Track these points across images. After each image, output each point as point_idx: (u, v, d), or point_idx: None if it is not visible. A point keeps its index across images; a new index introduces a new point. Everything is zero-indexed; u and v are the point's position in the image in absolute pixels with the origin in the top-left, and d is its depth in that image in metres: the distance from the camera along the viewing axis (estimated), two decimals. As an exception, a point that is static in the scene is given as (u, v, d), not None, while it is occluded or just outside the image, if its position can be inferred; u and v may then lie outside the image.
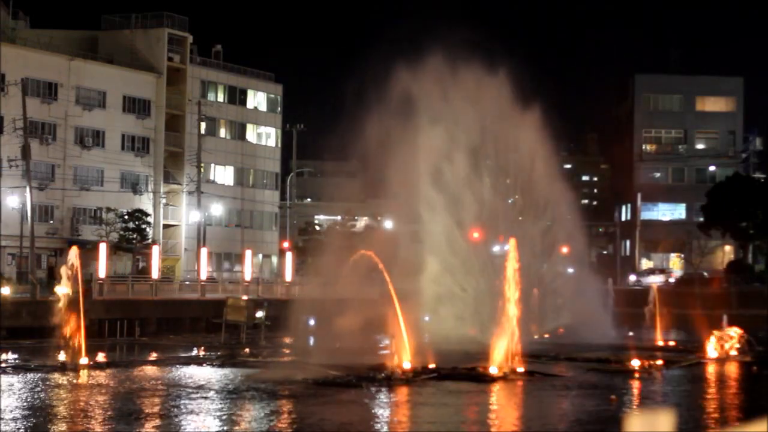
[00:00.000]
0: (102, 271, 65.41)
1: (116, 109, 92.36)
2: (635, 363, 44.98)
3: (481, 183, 54.55)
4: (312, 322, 56.04)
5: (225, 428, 28.42)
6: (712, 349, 51.84)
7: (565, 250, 75.09)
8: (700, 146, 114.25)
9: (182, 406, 31.57)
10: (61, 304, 41.36)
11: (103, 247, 66.80)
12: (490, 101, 49.02)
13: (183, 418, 29.70)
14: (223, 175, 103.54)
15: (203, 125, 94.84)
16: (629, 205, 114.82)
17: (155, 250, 76.46)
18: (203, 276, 77.28)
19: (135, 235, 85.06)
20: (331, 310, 45.07)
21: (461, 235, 58.67)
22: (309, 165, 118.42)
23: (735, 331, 52.62)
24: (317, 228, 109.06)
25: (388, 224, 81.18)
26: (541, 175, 59.82)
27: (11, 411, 29.85)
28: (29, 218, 74.64)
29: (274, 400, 33.40)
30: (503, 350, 40.50)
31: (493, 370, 39.85)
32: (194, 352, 51.78)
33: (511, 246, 42.07)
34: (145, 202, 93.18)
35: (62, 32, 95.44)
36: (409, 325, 39.16)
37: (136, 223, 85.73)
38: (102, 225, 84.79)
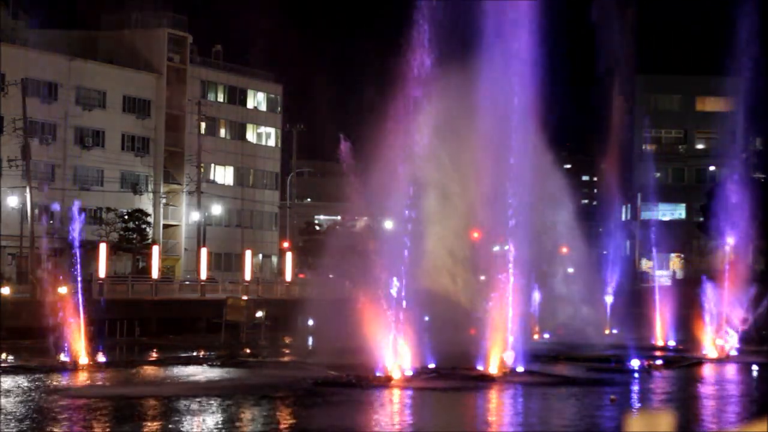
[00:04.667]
0: (102, 271, 65.41)
1: (116, 109, 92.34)
2: (635, 363, 44.99)
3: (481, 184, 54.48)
4: (311, 322, 56.05)
5: (224, 429, 28.42)
6: (711, 349, 51.91)
7: (564, 250, 75.10)
8: (700, 146, 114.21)
9: (181, 407, 31.56)
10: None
11: (103, 247, 66.81)
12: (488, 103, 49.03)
13: (182, 419, 29.69)
14: (223, 175, 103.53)
15: (203, 125, 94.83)
16: (629, 206, 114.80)
17: (155, 250, 76.46)
18: (203, 276, 77.29)
19: (135, 235, 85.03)
20: (336, 310, 45.06)
21: (462, 235, 58.64)
22: (309, 165, 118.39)
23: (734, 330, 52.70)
24: (317, 228, 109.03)
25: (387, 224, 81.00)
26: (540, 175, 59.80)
27: (11, 412, 29.84)
28: (29, 218, 74.61)
29: (274, 401, 33.40)
30: (503, 350, 40.48)
31: (493, 370, 39.84)
32: (194, 352, 51.78)
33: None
34: (145, 202, 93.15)
35: (62, 32, 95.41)
36: (410, 324, 39.12)
37: (136, 223, 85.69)
38: (102, 225, 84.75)
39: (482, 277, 49.25)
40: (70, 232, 42.87)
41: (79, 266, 42.52)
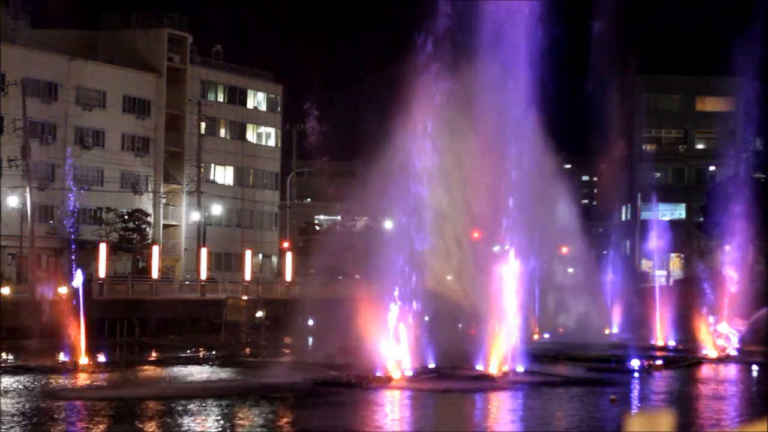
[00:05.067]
0: (102, 271, 65.40)
1: (116, 109, 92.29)
2: (635, 363, 44.98)
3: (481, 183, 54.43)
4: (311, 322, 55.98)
5: (224, 429, 28.41)
6: (711, 349, 51.92)
7: (564, 250, 75.09)
8: (700, 146, 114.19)
9: (181, 407, 31.53)
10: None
11: (103, 247, 66.80)
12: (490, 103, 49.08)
13: (181, 419, 29.67)
14: (223, 175, 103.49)
15: (203, 125, 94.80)
16: (629, 205, 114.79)
17: (155, 250, 76.43)
18: (203, 276, 77.26)
19: (135, 235, 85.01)
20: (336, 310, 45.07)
21: (462, 235, 58.56)
22: (309, 165, 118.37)
23: (734, 330, 52.73)
24: (317, 228, 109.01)
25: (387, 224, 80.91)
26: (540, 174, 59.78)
27: (10, 412, 29.82)
28: (29, 218, 74.58)
29: (274, 401, 33.38)
30: (503, 350, 40.49)
31: (493, 370, 39.85)
32: (194, 352, 51.76)
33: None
34: (145, 202, 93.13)
35: (62, 32, 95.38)
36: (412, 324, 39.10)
37: (136, 223, 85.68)
38: (102, 225, 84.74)
39: (449, 277, 49.24)
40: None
41: (74, 265, 42.45)
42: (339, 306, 44.71)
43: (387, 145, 42.07)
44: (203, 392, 34.69)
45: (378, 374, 37.75)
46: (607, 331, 67.77)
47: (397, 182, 40.42)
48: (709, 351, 51.97)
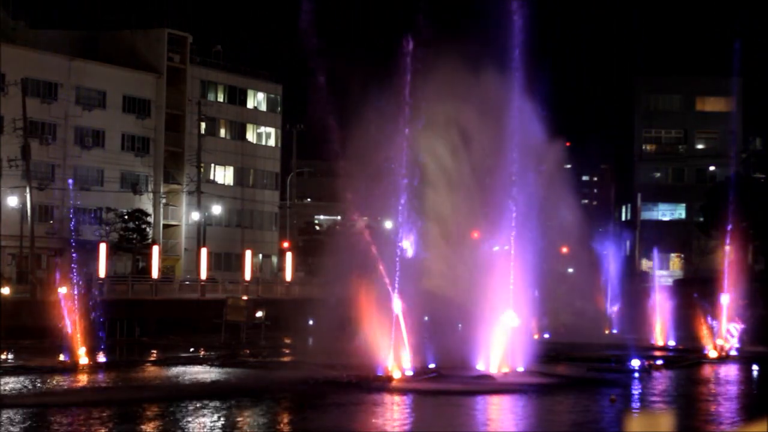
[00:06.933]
0: (102, 271, 65.40)
1: (116, 109, 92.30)
2: (635, 363, 44.99)
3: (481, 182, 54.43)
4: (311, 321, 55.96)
5: (223, 430, 28.40)
6: (711, 349, 51.93)
7: (564, 250, 75.05)
8: (700, 146, 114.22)
9: (181, 407, 31.54)
10: None
11: (103, 247, 66.80)
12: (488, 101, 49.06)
13: (181, 419, 29.67)
14: (223, 175, 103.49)
15: (203, 125, 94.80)
16: (629, 205, 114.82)
17: (155, 250, 76.44)
18: (203, 276, 77.26)
19: (135, 235, 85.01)
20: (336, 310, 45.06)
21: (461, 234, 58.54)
22: (309, 165, 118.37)
23: (734, 327, 52.75)
24: (317, 228, 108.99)
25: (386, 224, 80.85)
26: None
27: (10, 413, 29.81)
28: (29, 218, 74.57)
29: (274, 401, 33.38)
30: (503, 350, 40.49)
31: (493, 370, 39.85)
32: (194, 352, 51.75)
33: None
34: (145, 202, 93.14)
35: (62, 32, 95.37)
36: (410, 325, 39.09)
37: (136, 223, 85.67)
38: (102, 225, 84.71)
39: (449, 277, 49.22)
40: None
41: (76, 266, 42.43)
42: (340, 306, 44.71)
43: (384, 144, 42.05)
44: (203, 392, 34.68)
45: (378, 374, 37.75)
46: (607, 331, 67.75)
47: (396, 183, 40.40)
48: (709, 351, 51.98)
